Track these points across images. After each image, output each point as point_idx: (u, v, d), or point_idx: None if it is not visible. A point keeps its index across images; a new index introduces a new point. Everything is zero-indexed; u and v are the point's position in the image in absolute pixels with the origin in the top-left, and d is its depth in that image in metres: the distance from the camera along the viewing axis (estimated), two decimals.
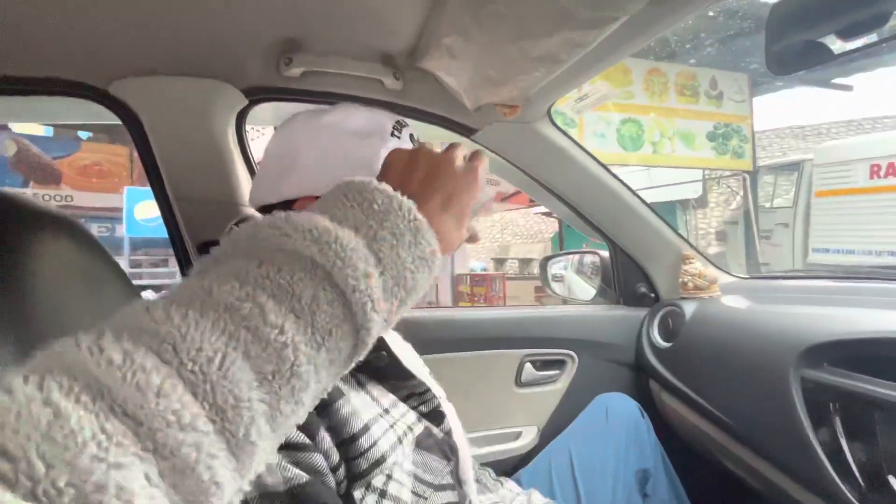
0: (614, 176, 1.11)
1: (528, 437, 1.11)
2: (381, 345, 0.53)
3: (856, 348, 0.71)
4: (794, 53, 0.43)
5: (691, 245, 1.21)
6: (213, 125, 0.81)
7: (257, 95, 0.83)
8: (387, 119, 0.54)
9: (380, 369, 0.54)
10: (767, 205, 6.12)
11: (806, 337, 0.76)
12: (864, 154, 4.96)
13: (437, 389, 0.62)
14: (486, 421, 1.12)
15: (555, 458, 0.92)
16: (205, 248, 0.84)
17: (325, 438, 0.44)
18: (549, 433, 1.14)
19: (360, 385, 0.52)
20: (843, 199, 5.09)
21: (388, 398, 0.54)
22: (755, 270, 5.90)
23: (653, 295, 1.25)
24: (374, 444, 0.47)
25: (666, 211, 8.46)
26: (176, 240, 0.89)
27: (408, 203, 0.32)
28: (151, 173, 0.84)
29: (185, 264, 0.92)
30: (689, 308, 1.10)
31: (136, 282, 0.71)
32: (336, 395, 0.47)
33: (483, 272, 8.23)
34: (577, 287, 1.83)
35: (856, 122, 9.48)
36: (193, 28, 0.68)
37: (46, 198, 7.15)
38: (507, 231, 12.74)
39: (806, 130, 10.64)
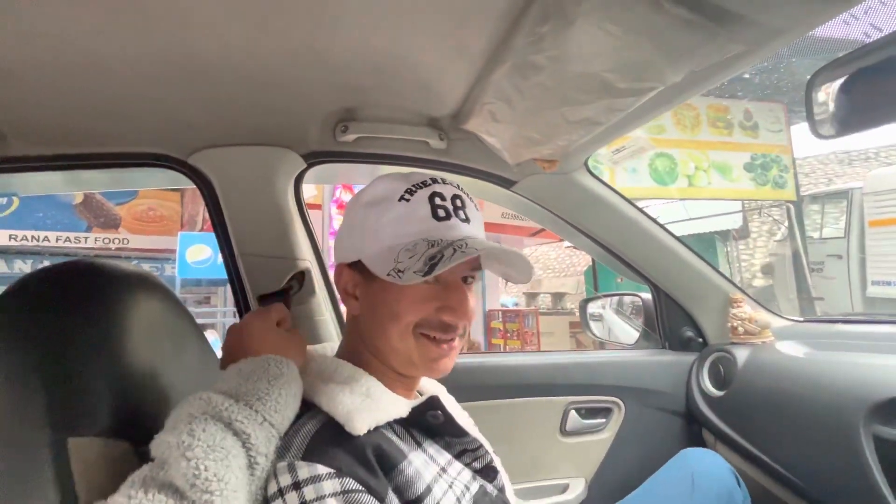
0: (653, 220, 1.12)
1: (577, 490, 1.07)
2: (435, 403, 0.55)
3: None
4: (838, 119, 0.44)
5: (740, 288, 1.18)
6: (275, 188, 0.89)
7: (315, 159, 0.91)
8: (401, 185, 0.56)
9: (434, 427, 0.55)
10: (815, 235, 5.82)
11: (876, 390, 0.73)
12: None
13: (487, 445, 0.63)
14: (530, 472, 1.09)
15: None
16: (264, 299, 0.90)
17: (394, 501, 0.45)
18: (597, 486, 1.10)
19: (418, 444, 0.53)
20: None
21: (444, 456, 0.55)
22: (808, 305, 5.54)
23: (700, 339, 1.21)
24: None
25: (705, 243, 8.17)
26: (238, 290, 0.95)
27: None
28: (220, 232, 0.92)
29: (243, 310, 0.99)
30: (741, 354, 1.06)
31: None
32: (399, 456, 0.48)
33: (515, 307, 8.10)
34: (618, 329, 1.79)
35: (890, 146, 8.98)
36: (262, 101, 0.77)
37: (106, 241, 7.75)
38: (538, 265, 12.61)
39: (851, 155, 10.18)
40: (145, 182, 1.02)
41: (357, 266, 0.57)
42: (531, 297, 11.18)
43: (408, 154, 0.95)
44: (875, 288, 5.02)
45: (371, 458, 0.46)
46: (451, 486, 0.51)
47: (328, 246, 3.90)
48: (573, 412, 1.12)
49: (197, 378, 0.67)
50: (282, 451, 0.46)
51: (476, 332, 6.63)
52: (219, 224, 0.90)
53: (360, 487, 0.44)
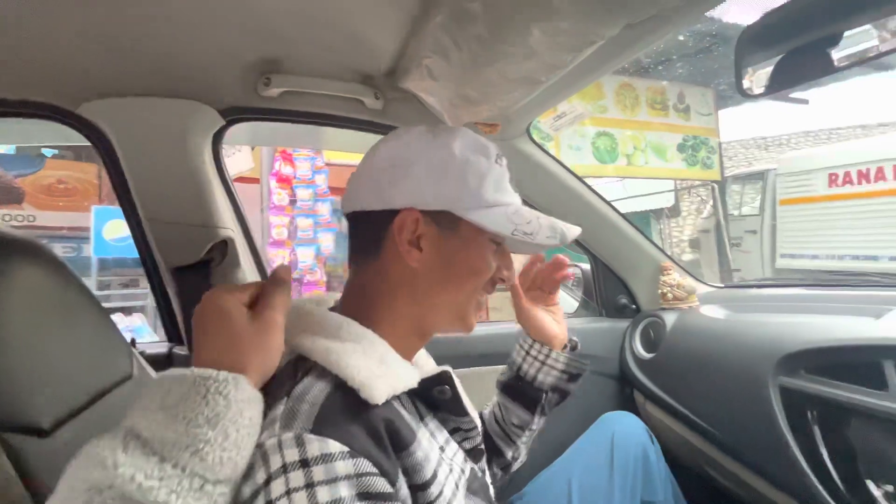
0: (593, 190, 1.13)
1: None
2: (446, 378, 0.51)
3: (831, 356, 0.73)
4: (764, 77, 0.45)
5: (669, 256, 1.24)
6: (187, 146, 0.79)
7: (235, 116, 0.82)
8: (490, 144, 0.54)
9: (438, 402, 0.52)
10: (736, 213, 6.36)
11: (782, 345, 0.79)
12: (822, 164, 5.23)
13: (480, 428, 0.60)
14: None
15: (553, 487, 0.85)
16: (180, 272, 0.81)
17: (403, 486, 0.41)
18: (536, 450, 1.13)
19: (421, 417, 0.50)
20: (806, 206, 5.34)
21: (442, 433, 0.52)
22: (728, 276, 6.09)
23: (634, 306, 1.27)
24: (441, 493, 0.44)
25: (641, 220, 8.70)
26: (148, 262, 0.85)
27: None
28: (122, 195, 0.81)
29: (158, 288, 0.89)
30: (669, 319, 1.12)
31: (105, 304, 0.68)
32: (410, 436, 0.44)
33: None
34: (560, 300, 1.83)
35: (813, 133, 10.06)
36: (167, 49, 0.67)
37: (7, 218, 6.84)
38: None
39: (768, 141, 11.21)
40: (34, 136, 0.88)
41: (435, 216, 0.50)
42: None
43: (341, 114, 0.88)
44: (783, 260, 5.61)
45: (384, 435, 0.41)
46: (450, 470, 0.48)
47: (269, 222, 3.69)
48: None
49: (90, 357, 0.59)
50: (286, 419, 0.39)
51: None
52: (119, 185, 0.79)
53: (374, 469, 0.38)
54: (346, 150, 2.80)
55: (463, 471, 0.51)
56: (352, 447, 0.38)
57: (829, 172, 5.10)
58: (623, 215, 1.16)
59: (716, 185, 5.97)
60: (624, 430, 0.88)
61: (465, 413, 0.54)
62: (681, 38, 4.92)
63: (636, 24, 0.53)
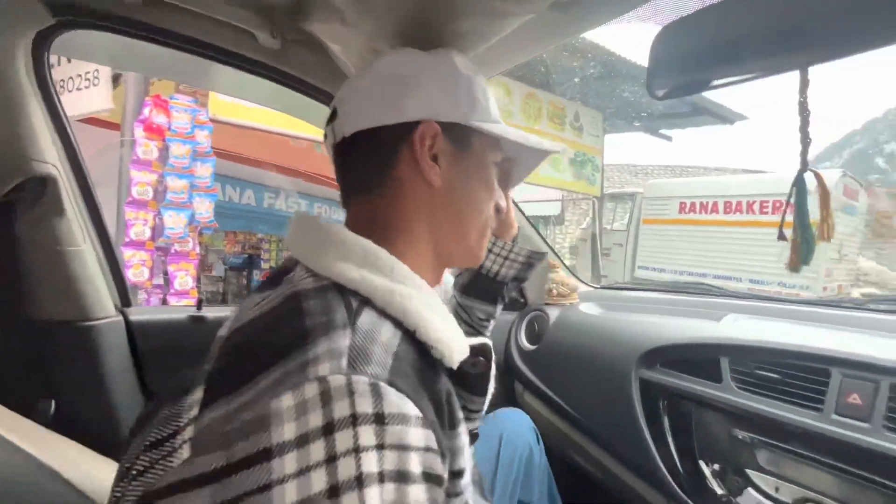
0: None
1: None
2: (483, 349, 0.43)
3: (681, 352, 0.82)
4: (674, 79, 0.46)
5: (557, 255, 1.31)
6: None
7: (71, 16, 0.62)
8: (471, 66, 0.51)
9: (468, 377, 0.43)
10: (609, 227, 7.23)
11: (645, 342, 0.87)
12: (676, 193, 6.22)
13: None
14: None
15: None
16: None
17: (446, 473, 0.33)
18: None
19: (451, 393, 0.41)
20: (661, 227, 6.31)
21: (460, 413, 0.43)
22: (597, 281, 6.88)
23: (522, 300, 1.32)
24: (465, 486, 0.37)
25: (541, 223, 9.41)
26: None
27: None
28: None
29: None
30: (553, 313, 1.18)
31: None
32: (459, 416, 0.37)
33: None
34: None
35: (671, 166, 12.01)
36: None
37: None
38: None
39: (637, 169, 13.07)
40: None
41: (450, 132, 0.46)
42: None
43: (227, 47, 0.74)
44: (639, 271, 6.55)
45: (445, 408, 0.35)
46: (470, 456, 0.41)
47: (130, 177, 3.09)
48: None
49: None
50: (356, 356, 0.30)
51: None
52: None
53: (437, 447, 0.31)
54: (230, 94, 2.46)
55: (471, 457, 0.44)
56: (425, 414, 0.30)
57: (681, 201, 6.08)
58: (521, 209, 1.19)
59: (595, 200, 6.70)
60: (513, 429, 0.88)
61: (484, 392, 0.46)
62: (580, 62, 5.40)
63: (563, 4, 0.52)
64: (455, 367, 0.36)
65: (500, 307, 0.75)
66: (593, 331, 1.04)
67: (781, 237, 0.41)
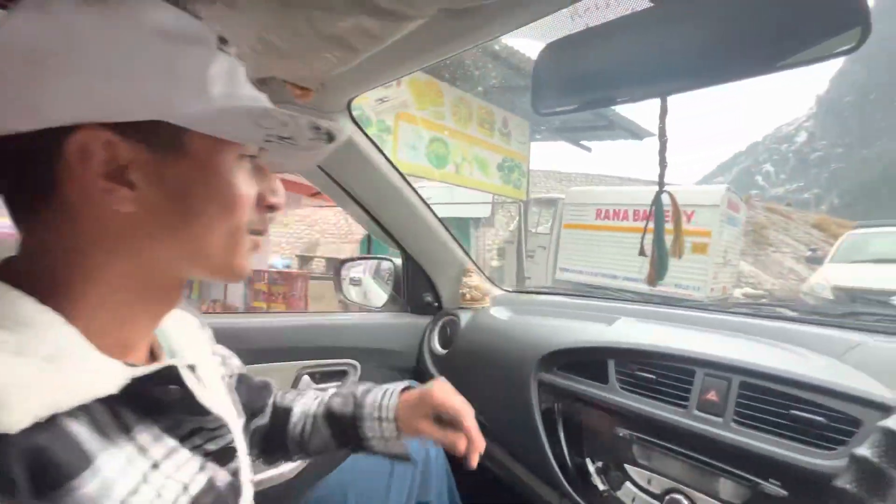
0: (410, 185, 1.12)
1: (289, 465, 1.00)
2: (171, 375, 0.36)
3: (575, 355, 0.87)
4: (553, 98, 0.48)
5: (472, 260, 1.33)
6: None
7: None
8: (205, 28, 0.35)
9: (164, 404, 0.37)
10: (534, 230, 7.59)
11: (544, 345, 0.90)
12: (593, 200, 6.70)
13: (235, 423, 0.46)
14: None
15: (328, 500, 0.78)
16: None
17: None
18: (321, 459, 1.06)
19: (126, 431, 0.34)
20: (580, 231, 6.76)
21: (163, 444, 0.37)
22: (521, 282, 7.20)
23: (437, 304, 1.32)
24: None
25: (461, 226, 9.58)
26: None
27: None
28: None
29: None
30: (464, 317, 1.19)
31: None
32: (77, 465, 0.29)
33: (286, 269, 7.62)
34: (372, 293, 1.81)
35: (590, 175, 12.96)
36: None
37: None
38: (315, 228, 12.18)
39: (561, 175, 13.93)
40: None
41: (143, 133, 0.33)
42: (305, 260, 10.74)
43: None
44: (561, 272, 6.95)
45: (18, 477, 0.27)
46: (159, 495, 0.34)
47: None
48: (306, 377, 1.04)
49: None
50: None
51: (235, 294, 5.93)
52: None
53: None
54: None
55: (186, 488, 0.38)
56: None
57: (597, 208, 6.55)
58: (435, 213, 1.19)
59: (522, 204, 6.99)
60: None
61: (205, 412, 0.40)
62: (510, 70, 5.59)
63: (457, 12, 0.51)
64: (12, 430, 0.27)
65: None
66: (499, 334, 1.06)
67: (642, 253, 0.44)
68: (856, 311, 0.88)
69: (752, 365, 0.65)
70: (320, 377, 1.07)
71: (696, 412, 0.68)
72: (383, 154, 1.04)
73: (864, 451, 0.37)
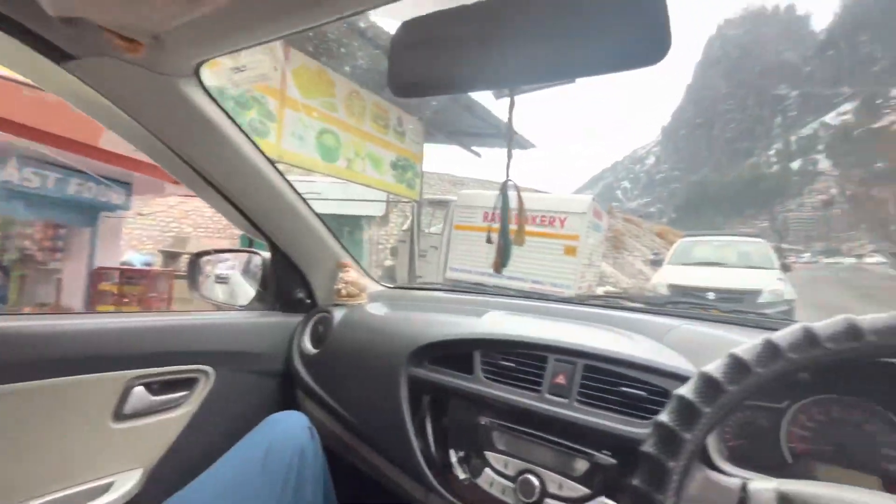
0: (279, 172, 1.03)
1: (125, 486, 0.84)
2: None
3: (445, 348, 0.87)
4: (407, 79, 0.46)
5: (349, 254, 1.27)
6: None
7: None
8: None
9: None
10: (427, 231, 7.72)
11: (415, 340, 0.89)
12: (482, 203, 7.07)
13: None
14: (59, 479, 0.78)
15: None
16: None
17: None
18: (164, 472, 0.90)
19: None
20: (469, 233, 7.07)
21: None
22: (413, 281, 7.27)
23: (309, 301, 1.23)
24: None
25: (355, 224, 9.32)
26: None
27: None
28: None
29: None
30: (338, 314, 1.13)
31: None
32: None
33: (146, 267, 6.54)
34: (242, 291, 1.63)
35: (483, 181, 13.70)
36: None
37: None
38: (187, 221, 10.73)
39: (457, 179, 14.49)
40: None
41: None
42: (172, 256, 9.37)
43: None
44: (451, 272, 7.18)
45: None
46: None
47: None
48: (141, 389, 0.88)
49: None
50: None
51: (73, 295, 4.89)
52: None
53: None
54: None
55: None
56: None
57: (484, 210, 6.92)
58: (308, 203, 1.10)
59: (416, 205, 7.04)
60: (284, 431, 0.83)
61: None
62: None
63: None
64: None
65: None
66: (373, 331, 1.03)
67: (489, 241, 0.45)
68: (674, 300, 1.04)
69: (592, 349, 0.72)
70: (160, 387, 0.91)
71: (548, 395, 0.72)
72: (246, 135, 0.93)
73: (662, 416, 0.43)
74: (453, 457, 0.78)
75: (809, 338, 0.38)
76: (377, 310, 1.13)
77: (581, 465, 0.67)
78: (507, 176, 0.43)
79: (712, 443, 0.50)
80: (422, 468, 0.80)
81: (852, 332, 0.37)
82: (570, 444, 0.68)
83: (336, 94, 4.93)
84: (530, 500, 0.68)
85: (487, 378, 0.80)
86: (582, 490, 0.65)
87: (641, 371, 0.67)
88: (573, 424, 0.68)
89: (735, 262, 6.46)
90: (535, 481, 0.68)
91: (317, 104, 4.71)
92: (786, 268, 6.56)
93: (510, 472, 0.72)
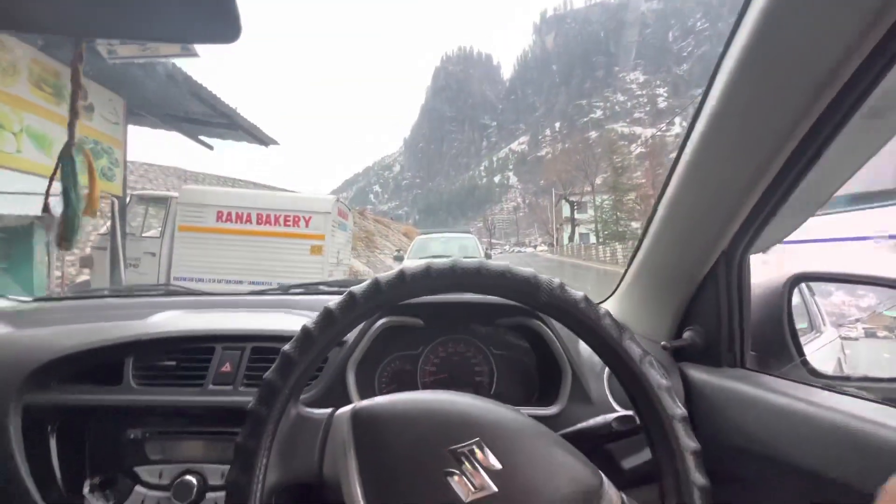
0: None
1: None
2: None
3: (83, 360, 0.71)
4: None
5: None
6: None
7: None
8: None
9: None
10: (138, 234, 6.19)
11: (34, 359, 0.69)
12: (213, 202, 6.18)
13: None
14: None
15: None
16: None
17: None
18: None
19: None
20: (199, 234, 6.06)
21: None
22: None
23: None
24: None
25: (23, 230, 6.55)
26: None
27: None
28: None
29: None
30: None
31: None
32: None
33: None
34: None
35: (222, 178, 11.98)
36: None
37: None
38: None
39: (188, 174, 12.19)
40: None
41: None
42: None
43: None
44: (176, 282, 5.99)
45: None
46: None
47: None
48: None
49: None
50: None
51: None
52: None
53: None
54: None
55: None
56: None
57: (218, 210, 6.10)
58: None
59: (117, 201, 5.55)
60: None
61: None
62: None
63: None
64: None
65: None
66: None
67: (46, 210, 0.39)
68: (349, 282, 1.17)
69: (259, 331, 0.73)
70: None
71: (212, 387, 0.69)
72: None
73: (268, 373, 0.47)
74: (86, 487, 0.65)
75: (377, 286, 0.49)
76: None
77: None
78: (71, 136, 0.38)
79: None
80: None
81: (400, 277, 0.49)
82: (233, 431, 0.67)
83: None
84: (187, 502, 0.63)
85: (141, 384, 0.70)
86: None
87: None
88: (238, 410, 0.67)
89: (457, 252, 7.90)
90: (193, 480, 0.64)
91: None
92: (488, 256, 8.54)
93: (165, 480, 0.65)
